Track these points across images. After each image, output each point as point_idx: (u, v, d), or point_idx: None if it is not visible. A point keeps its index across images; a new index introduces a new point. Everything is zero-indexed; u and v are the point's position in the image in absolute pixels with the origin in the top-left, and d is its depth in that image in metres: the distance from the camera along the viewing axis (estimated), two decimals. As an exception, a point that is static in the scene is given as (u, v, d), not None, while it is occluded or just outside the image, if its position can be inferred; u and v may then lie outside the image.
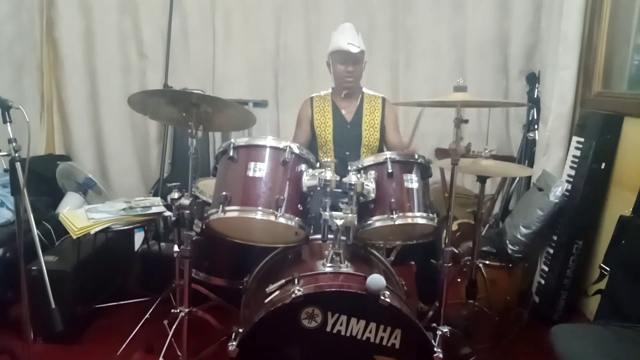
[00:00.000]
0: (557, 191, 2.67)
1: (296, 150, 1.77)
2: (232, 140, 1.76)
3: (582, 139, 2.70)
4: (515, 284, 2.85)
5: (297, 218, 1.72)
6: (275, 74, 3.53)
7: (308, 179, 1.75)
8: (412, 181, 1.79)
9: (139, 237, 3.05)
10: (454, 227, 3.20)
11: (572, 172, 2.73)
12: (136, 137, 3.61)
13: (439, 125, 3.52)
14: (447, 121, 3.44)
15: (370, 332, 1.54)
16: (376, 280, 1.50)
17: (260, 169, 1.72)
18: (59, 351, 2.32)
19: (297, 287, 1.52)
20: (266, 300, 1.61)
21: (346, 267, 1.70)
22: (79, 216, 2.40)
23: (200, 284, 2.27)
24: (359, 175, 1.71)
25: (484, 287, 2.45)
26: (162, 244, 2.86)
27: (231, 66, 3.53)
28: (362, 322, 1.54)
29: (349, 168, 1.82)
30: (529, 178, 3.22)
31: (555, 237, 2.75)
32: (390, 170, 1.76)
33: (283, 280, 1.65)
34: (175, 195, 2.07)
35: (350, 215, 1.67)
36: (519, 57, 3.41)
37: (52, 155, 3.49)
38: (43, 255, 2.46)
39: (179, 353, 2.07)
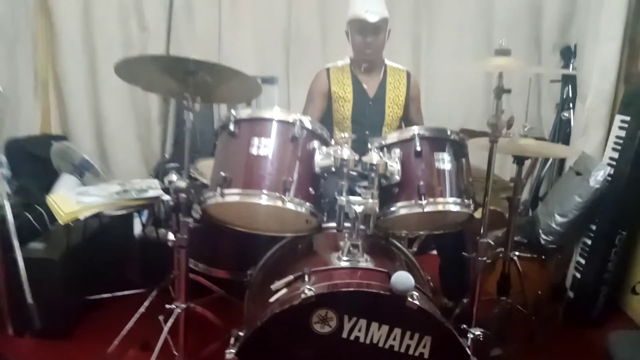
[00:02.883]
0: (599, 175, 2.39)
1: (308, 125, 1.51)
2: (233, 112, 1.51)
3: (627, 118, 2.42)
4: (548, 277, 2.59)
5: (308, 203, 1.47)
6: (286, 47, 3.27)
7: (321, 158, 1.49)
8: (444, 161, 1.53)
9: (139, 222, 2.82)
10: (478, 214, 2.94)
11: (615, 155, 2.44)
12: (137, 116, 3.37)
13: (465, 103, 3.25)
14: (474, 99, 3.27)
15: (394, 339, 1.30)
16: (403, 279, 1.26)
17: (265, 146, 1.46)
18: (46, 347, 2.11)
19: (308, 286, 1.28)
20: (271, 300, 1.37)
21: (365, 262, 1.45)
22: (67, 200, 2.17)
23: (201, 276, 2.05)
24: (381, 154, 1.45)
25: (518, 282, 2.19)
26: (162, 230, 2.63)
27: (238, 40, 3.26)
28: (385, 328, 1.29)
29: (370, 146, 1.56)
30: (562, 161, 2.95)
31: (594, 227, 2.47)
32: (418, 149, 1.50)
33: (291, 276, 1.41)
34: (173, 177, 1.85)
35: (370, 200, 1.42)
36: (553, 29, 3.12)
37: (47, 135, 3.27)
38: (31, 242, 2.30)
39: (175, 352, 1.85)
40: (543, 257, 2.51)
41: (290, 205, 1.42)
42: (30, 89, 3.16)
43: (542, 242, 2.52)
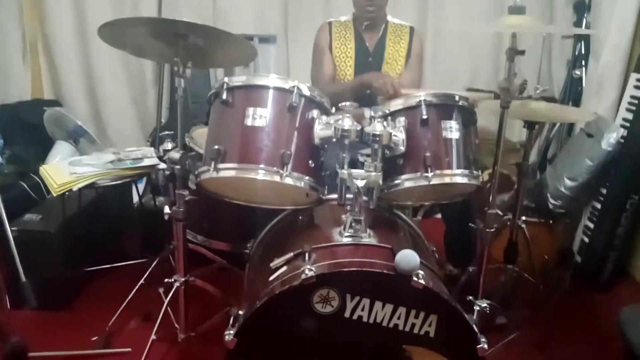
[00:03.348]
0: (611, 138, 2.29)
1: (306, 92, 1.41)
2: (226, 79, 1.40)
3: (644, 76, 2.29)
4: (556, 242, 2.54)
5: (307, 177, 1.39)
6: (285, 3, 3.10)
7: (321, 129, 1.40)
8: (452, 130, 1.43)
9: (141, 189, 2.75)
10: (485, 177, 2.86)
11: (630, 116, 2.34)
12: (131, 78, 3.25)
13: (473, 61, 3.11)
14: (482, 56, 3.12)
15: (398, 318, 1.24)
16: (408, 257, 1.19)
17: (261, 116, 1.37)
18: (45, 319, 2.08)
19: (308, 265, 1.21)
20: (271, 278, 1.31)
21: (368, 237, 1.38)
22: (60, 170, 2.10)
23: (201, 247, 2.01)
24: (385, 124, 1.36)
25: (525, 248, 2.13)
26: (160, 198, 2.57)
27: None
28: (389, 307, 1.23)
29: (372, 113, 1.46)
30: (572, 122, 2.84)
31: (604, 191, 2.39)
32: (424, 117, 1.40)
33: (291, 254, 1.34)
34: (168, 145, 1.77)
35: (374, 173, 1.34)
36: (567, -19, 2.94)
37: (39, 100, 3.16)
38: (27, 213, 2.24)
39: (176, 325, 1.82)
40: (551, 221, 2.46)
41: (288, 180, 1.34)
42: (18, 52, 3.03)
43: (550, 206, 2.46)
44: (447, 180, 1.41)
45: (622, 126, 2.34)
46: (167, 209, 1.71)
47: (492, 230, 1.58)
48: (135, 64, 3.19)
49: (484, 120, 1.71)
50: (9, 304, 2.11)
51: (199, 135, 1.97)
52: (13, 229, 2.04)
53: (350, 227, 1.39)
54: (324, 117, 1.42)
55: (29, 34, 3.09)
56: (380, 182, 1.37)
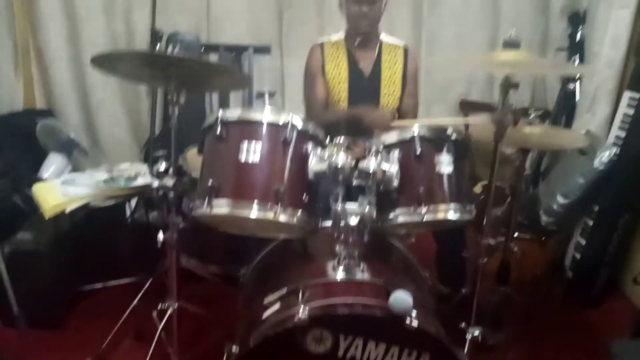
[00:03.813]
0: (604, 157, 2.31)
1: (300, 126, 1.40)
2: (220, 113, 1.40)
3: (637, 95, 2.30)
4: (548, 258, 2.56)
5: (300, 212, 1.38)
6: (279, 11, 3.07)
7: (315, 163, 1.40)
8: (445, 164, 1.43)
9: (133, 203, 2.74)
10: (478, 189, 2.86)
11: (622, 134, 2.34)
12: (124, 87, 3.19)
13: (467, 72, 3.11)
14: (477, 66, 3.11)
15: (392, 356, 1.25)
16: (401, 299, 1.20)
17: (255, 152, 1.36)
18: (37, 339, 2.06)
19: (302, 306, 1.22)
20: (264, 316, 1.32)
21: (361, 272, 1.39)
22: (52, 190, 2.09)
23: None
24: (379, 159, 1.36)
25: (516, 266, 2.15)
26: (153, 213, 2.55)
27: (229, 2, 3.07)
28: (382, 346, 1.25)
29: (367, 148, 1.46)
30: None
31: (596, 207, 2.41)
32: (418, 152, 1.41)
33: (284, 290, 1.35)
34: (162, 166, 1.76)
35: (367, 208, 1.34)
36: (562, -8, 2.94)
37: (32, 109, 3.12)
38: (19, 232, 2.22)
39: (170, 348, 1.82)
40: (543, 238, 2.48)
41: (282, 218, 1.34)
42: (9, 62, 2.99)
43: (543, 223, 2.47)
44: (440, 216, 1.42)
45: (615, 144, 2.35)
46: (160, 235, 1.71)
47: (485, 261, 1.58)
48: (128, 73, 3.16)
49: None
50: (0, 321, 2.11)
51: (193, 157, 1.96)
52: (5, 249, 2.03)
53: (344, 261, 1.39)
54: (319, 150, 1.42)
55: (21, 43, 3.04)
56: (374, 215, 1.38)
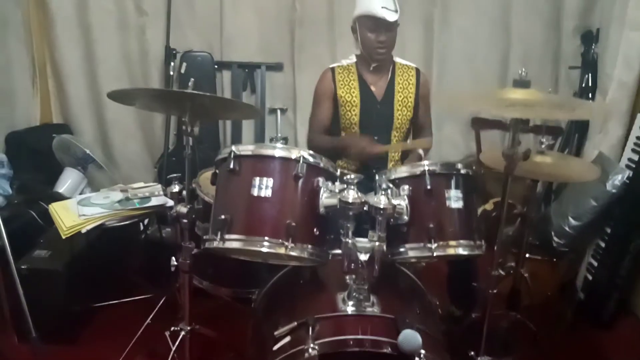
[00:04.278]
0: (616, 180, 2.30)
1: (311, 160, 1.42)
2: (233, 147, 1.42)
3: (651, 118, 2.29)
4: (559, 278, 2.56)
5: (310, 247, 1.40)
6: (291, 30, 3.09)
7: (326, 197, 1.42)
8: (456, 199, 1.45)
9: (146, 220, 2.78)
10: (489, 206, 2.86)
11: (635, 157, 2.33)
12: (138, 102, 3.26)
13: (477, 86, 3.11)
14: (487, 84, 3.11)
15: (400, 392, 1.27)
16: (410, 339, 1.21)
17: (267, 187, 1.38)
18: (53, 353, 2.07)
19: (311, 342, 1.24)
20: (274, 348, 1.34)
21: (371, 306, 1.40)
22: (69, 210, 2.13)
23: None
24: (389, 196, 1.38)
25: (526, 291, 2.15)
26: (167, 229, 2.60)
27: (241, 21, 3.09)
28: (391, 382, 1.26)
29: (377, 179, 1.48)
30: (578, 150, 2.85)
31: (609, 230, 2.40)
32: (428, 187, 1.42)
33: (295, 323, 1.37)
34: (176, 188, 1.80)
35: (377, 244, 1.36)
36: (575, 11, 2.94)
37: (48, 124, 3.19)
38: (35, 250, 2.26)
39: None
40: (554, 259, 2.47)
41: (293, 252, 1.36)
42: (26, 77, 3.06)
43: (554, 244, 2.47)
44: (450, 251, 1.43)
45: (628, 167, 2.34)
46: (173, 261, 1.75)
47: (494, 292, 1.59)
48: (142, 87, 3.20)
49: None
50: (16, 337, 2.16)
51: (206, 180, 1.99)
52: (23, 266, 2.08)
53: (354, 295, 1.41)
54: (330, 184, 1.44)
55: (38, 60, 3.11)
56: (384, 249, 1.39)
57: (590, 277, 2.49)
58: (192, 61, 3.02)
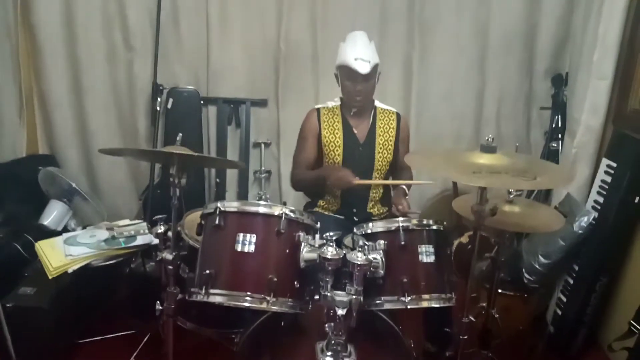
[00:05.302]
0: (583, 221, 2.42)
1: (293, 216, 1.51)
2: (219, 204, 1.50)
3: (614, 164, 2.42)
4: (530, 313, 2.66)
5: (291, 300, 1.49)
6: (276, 66, 3.18)
7: (307, 251, 1.51)
8: (428, 254, 1.55)
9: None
10: (465, 239, 2.96)
11: (600, 199, 2.46)
12: (124, 132, 3.27)
13: (455, 127, 3.24)
14: (465, 122, 3.25)
15: None
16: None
17: (250, 242, 1.47)
18: None
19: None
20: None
21: (348, 356, 1.49)
22: (55, 249, 2.18)
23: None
24: (365, 251, 1.47)
25: (497, 331, 2.24)
26: (151, 263, 2.64)
27: (227, 57, 3.17)
28: None
29: (355, 232, 1.57)
30: (549, 190, 2.98)
31: (576, 267, 2.52)
32: (402, 242, 1.52)
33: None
34: (161, 228, 1.86)
35: (354, 297, 1.45)
36: (546, 54, 3.10)
37: (34, 155, 3.21)
38: (20, 287, 2.29)
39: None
40: (525, 294, 2.58)
41: (274, 307, 1.44)
42: (12, 108, 3.08)
43: (525, 280, 2.58)
44: (423, 304, 1.53)
45: (594, 208, 2.47)
46: (158, 306, 1.81)
47: (465, 337, 1.68)
48: (129, 120, 3.24)
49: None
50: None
51: (191, 223, 2.06)
52: (7, 305, 2.11)
53: (332, 346, 1.49)
54: (310, 239, 1.53)
55: (25, 89, 3.14)
56: (362, 301, 1.48)
57: (559, 312, 2.60)
58: (179, 97, 3.08)
